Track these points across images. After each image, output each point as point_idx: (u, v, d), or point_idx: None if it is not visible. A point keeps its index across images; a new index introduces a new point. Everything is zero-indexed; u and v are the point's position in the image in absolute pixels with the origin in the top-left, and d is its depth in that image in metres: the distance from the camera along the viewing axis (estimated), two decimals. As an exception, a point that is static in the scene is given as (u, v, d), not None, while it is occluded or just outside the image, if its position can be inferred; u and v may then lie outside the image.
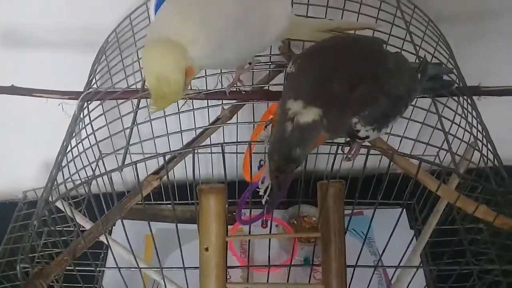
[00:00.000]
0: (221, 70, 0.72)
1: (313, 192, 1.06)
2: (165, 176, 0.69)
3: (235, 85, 0.66)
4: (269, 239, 0.71)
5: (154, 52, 0.55)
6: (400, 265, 0.70)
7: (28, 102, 0.75)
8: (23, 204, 1.01)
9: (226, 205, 0.60)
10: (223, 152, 0.54)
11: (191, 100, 0.70)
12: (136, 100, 0.66)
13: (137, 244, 1.00)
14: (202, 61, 0.56)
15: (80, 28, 0.85)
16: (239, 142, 0.64)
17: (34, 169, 1.08)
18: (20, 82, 0.73)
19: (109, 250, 0.99)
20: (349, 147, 0.56)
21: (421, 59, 0.60)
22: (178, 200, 1.06)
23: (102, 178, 0.57)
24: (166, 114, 0.73)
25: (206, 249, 0.61)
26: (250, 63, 0.64)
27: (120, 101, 0.70)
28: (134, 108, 0.63)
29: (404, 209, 1.08)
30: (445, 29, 0.79)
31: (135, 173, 0.54)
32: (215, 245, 0.61)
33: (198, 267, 0.64)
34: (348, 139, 0.56)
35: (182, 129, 0.71)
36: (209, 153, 1.05)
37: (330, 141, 0.54)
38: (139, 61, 0.73)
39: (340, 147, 0.54)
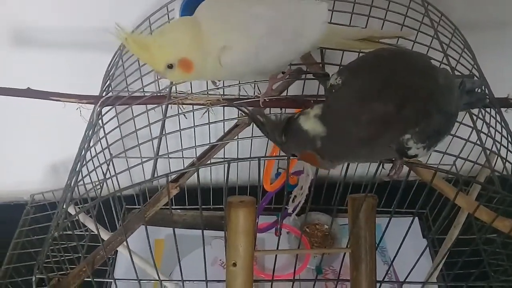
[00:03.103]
0: (239, 81, 0.69)
1: (325, 199, 1.07)
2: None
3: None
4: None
5: (175, 23, 0.58)
6: (421, 280, 0.69)
7: (38, 104, 0.72)
8: (30, 207, 0.99)
9: (257, 220, 0.58)
10: (226, 170, 0.52)
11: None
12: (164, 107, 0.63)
13: (147, 249, 0.98)
14: (236, 68, 0.55)
15: (97, 29, 0.82)
16: (252, 157, 0.55)
17: (39, 171, 1.06)
18: (35, 84, 0.69)
19: (117, 256, 0.97)
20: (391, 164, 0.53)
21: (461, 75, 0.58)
22: (188, 204, 1.04)
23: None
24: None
25: (234, 264, 0.59)
26: (283, 73, 0.62)
27: (136, 110, 0.67)
28: (162, 116, 0.61)
29: (417, 218, 1.06)
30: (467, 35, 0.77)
31: (167, 183, 0.54)
32: (243, 261, 0.59)
33: (220, 281, 0.63)
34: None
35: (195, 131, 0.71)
36: (222, 158, 1.02)
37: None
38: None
39: (381, 164, 0.52)
